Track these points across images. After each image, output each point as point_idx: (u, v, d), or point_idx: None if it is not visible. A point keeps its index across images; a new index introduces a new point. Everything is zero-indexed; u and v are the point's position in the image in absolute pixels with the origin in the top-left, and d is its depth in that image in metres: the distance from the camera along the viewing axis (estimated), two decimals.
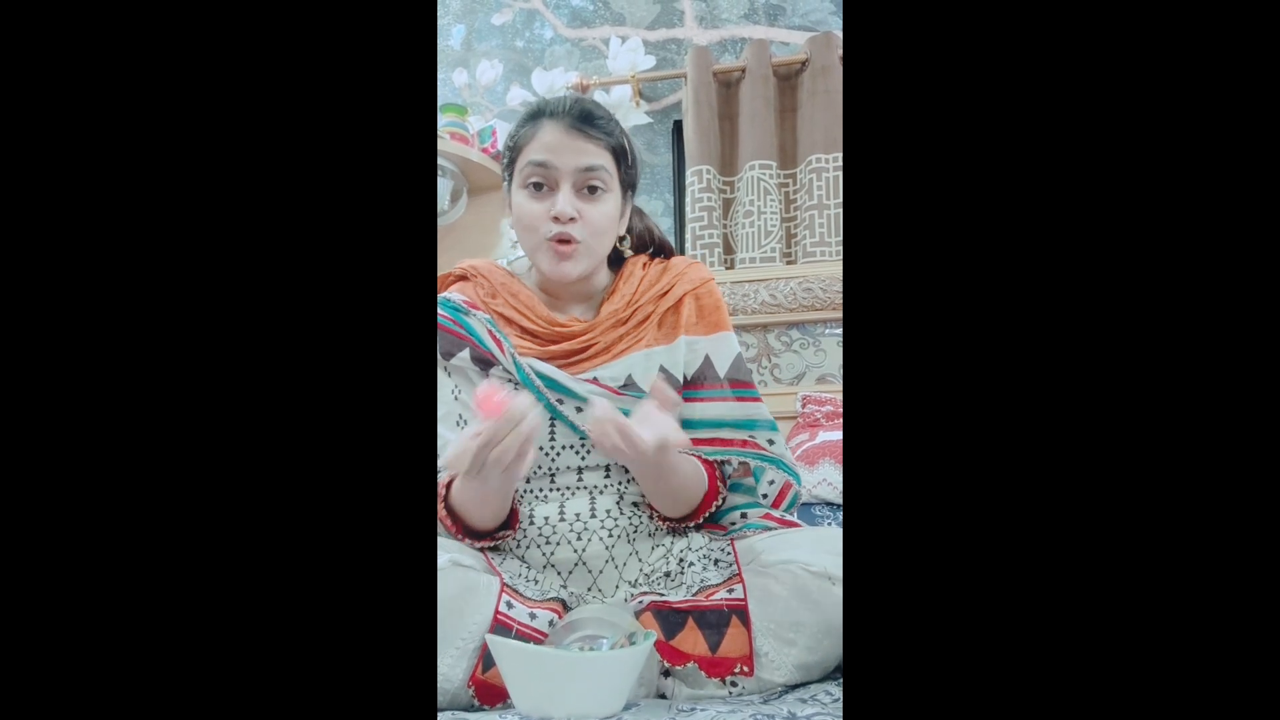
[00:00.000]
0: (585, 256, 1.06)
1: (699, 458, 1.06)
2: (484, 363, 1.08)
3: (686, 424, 1.06)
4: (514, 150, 1.09)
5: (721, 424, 1.08)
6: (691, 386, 1.11)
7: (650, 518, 1.08)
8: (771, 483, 1.12)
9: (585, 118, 1.05)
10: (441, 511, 1.00)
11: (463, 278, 1.17)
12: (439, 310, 1.11)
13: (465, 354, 1.08)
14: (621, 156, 1.08)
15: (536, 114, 1.07)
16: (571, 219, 1.03)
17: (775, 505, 1.12)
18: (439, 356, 1.09)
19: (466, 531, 1.00)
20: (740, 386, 1.12)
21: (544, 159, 1.04)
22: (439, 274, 1.20)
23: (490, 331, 1.08)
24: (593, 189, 1.05)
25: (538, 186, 1.05)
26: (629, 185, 1.12)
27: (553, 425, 1.05)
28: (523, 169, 1.06)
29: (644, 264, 1.16)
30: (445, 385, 1.10)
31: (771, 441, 1.10)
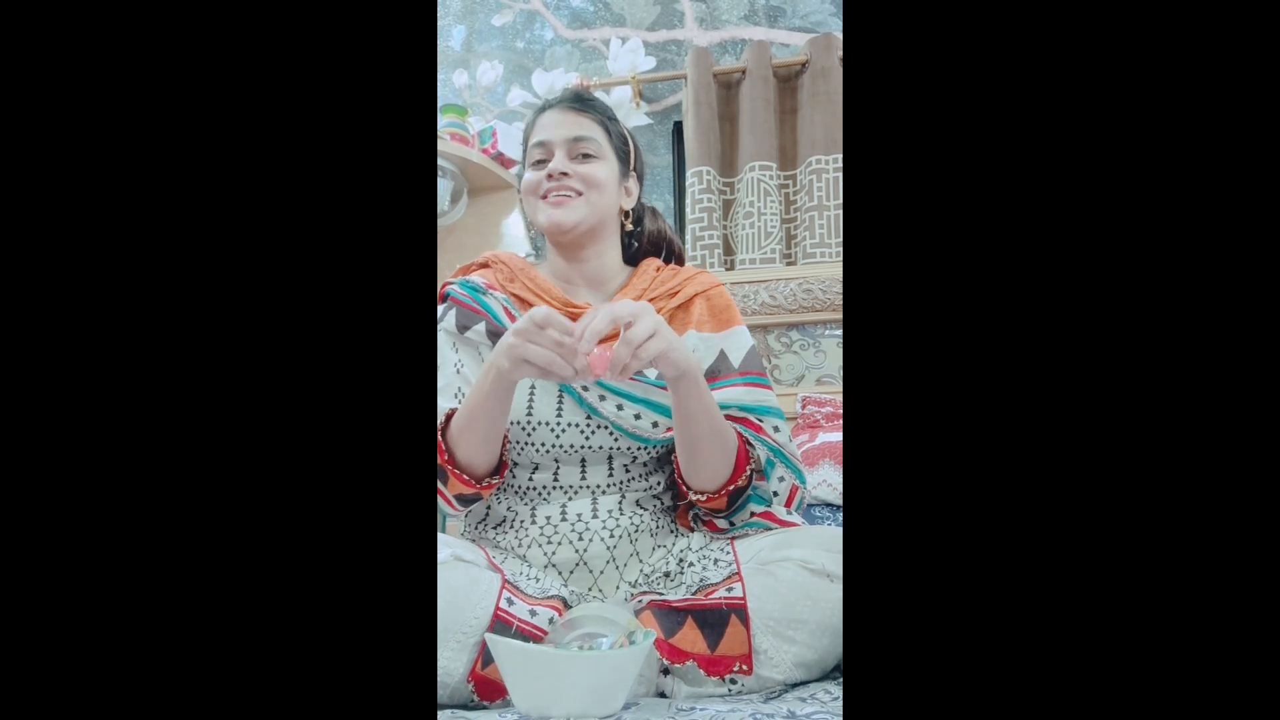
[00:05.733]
0: (579, 207, 1.13)
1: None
2: (497, 337, 1.10)
3: None
4: (524, 144, 1.21)
5: (729, 406, 1.09)
6: (706, 379, 1.11)
7: (670, 510, 1.09)
8: (781, 480, 1.12)
9: (577, 98, 1.18)
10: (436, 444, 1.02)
11: (485, 265, 1.23)
12: (458, 289, 1.16)
13: (481, 327, 1.11)
14: (611, 132, 1.18)
15: (542, 109, 1.20)
16: (564, 174, 1.12)
17: (786, 505, 1.13)
18: (454, 330, 1.12)
19: (457, 467, 1.01)
20: (750, 374, 1.13)
21: (542, 138, 1.15)
22: (448, 270, 1.24)
23: (506, 309, 1.12)
24: (585, 155, 1.14)
25: (540, 162, 1.15)
26: (628, 163, 1.19)
27: (560, 402, 1.06)
28: (529, 152, 1.18)
29: (658, 267, 1.21)
30: (450, 359, 1.12)
31: (777, 429, 1.10)
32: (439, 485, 1.04)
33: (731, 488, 1.04)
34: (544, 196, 1.13)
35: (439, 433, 1.03)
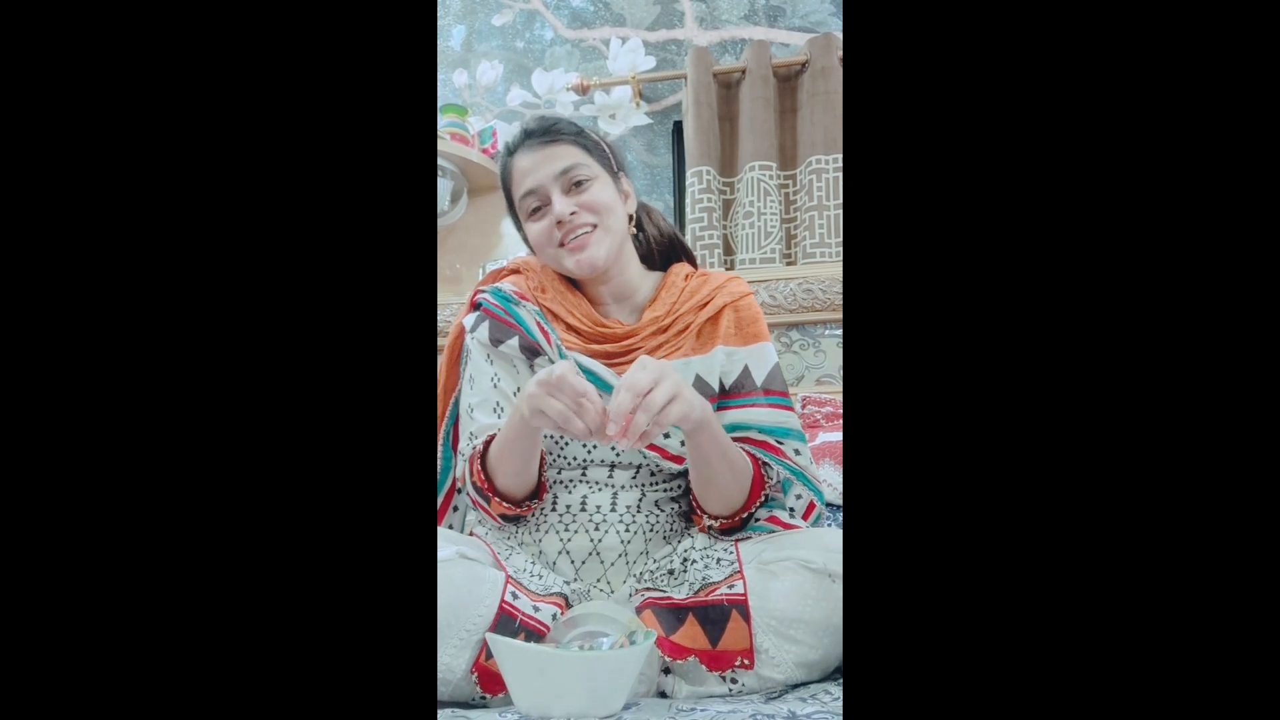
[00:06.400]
0: (601, 238, 1.10)
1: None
2: (531, 351, 1.10)
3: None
4: (508, 195, 1.17)
5: (750, 427, 1.09)
6: (729, 395, 1.12)
7: (686, 514, 1.10)
8: (799, 497, 1.12)
9: (539, 131, 1.12)
10: (476, 468, 1.03)
11: (515, 271, 1.21)
12: (490, 299, 1.14)
13: (514, 342, 1.10)
14: (589, 146, 1.14)
15: (506, 154, 1.15)
16: (572, 213, 1.08)
17: (804, 518, 1.13)
18: (488, 342, 1.12)
19: (497, 494, 1.02)
20: (774, 394, 1.13)
21: (529, 186, 1.11)
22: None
23: (538, 323, 1.11)
24: (579, 183, 1.10)
25: (537, 210, 1.11)
26: (611, 168, 1.15)
27: None
28: (520, 205, 1.13)
29: (686, 275, 1.19)
30: (485, 372, 1.12)
31: (798, 452, 1.10)
32: (482, 503, 1.05)
33: (745, 514, 1.05)
34: (561, 244, 1.10)
35: (478, 458, 1.04)
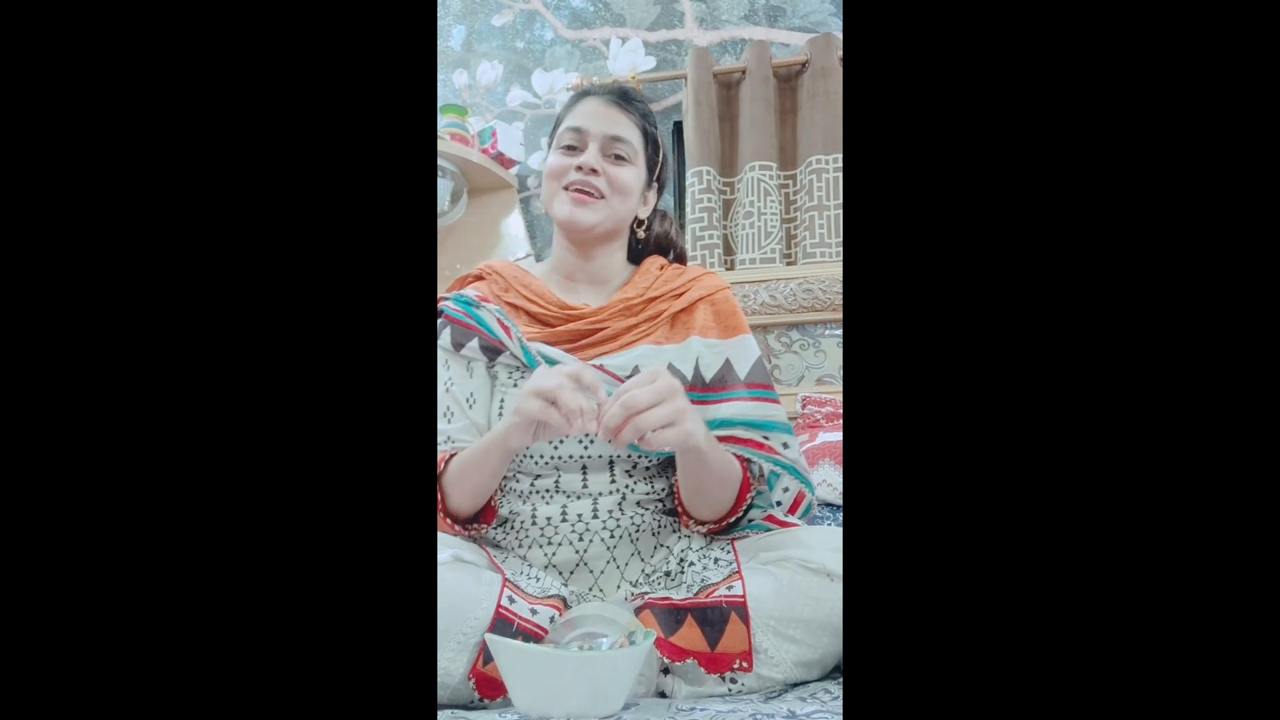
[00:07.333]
0: (601, 209, 1.11)
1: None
2: (492, 351, 1.10)
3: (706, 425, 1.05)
4: (556, 125, 1.18)
5: (736, 423, 1.08)
6: (711, 389, 1.11)
7: (672, 512, 1.09)
8: (786, 490, 1.11)
9: (622, 94, 1.16)
10: None
11: (479, 277, 1.21)
12: (452, 305, 1.14)
13: (474, 343, 1.10)
14: (650, 140, 1.16)
15: (582, 94, 1.17)
16: (594, 170, 1.10)
17: (791, 511, 1.12)
18: (450, 347, 1.12)
19: (445, 509, 1.02)
20: (758, 388, 1.11)
21: (578, 124, 1.13)
22: (448, 269, 1.22)
23: (499, 320, 1.11)
24: (618, 157, 1.12)
25: (570, 148, 1.13)
26: (655, 174, 1.18)
27: None
28: (560, 135, 1.15)
29: (661, 265, 1.20)
30: (441, 377, 1.12)
31: (786, 445, 1.09)
32: None
33: (732, 518, 1.04)
34: (567, 187, 1.11)
35: (439, 474, 1.02)
